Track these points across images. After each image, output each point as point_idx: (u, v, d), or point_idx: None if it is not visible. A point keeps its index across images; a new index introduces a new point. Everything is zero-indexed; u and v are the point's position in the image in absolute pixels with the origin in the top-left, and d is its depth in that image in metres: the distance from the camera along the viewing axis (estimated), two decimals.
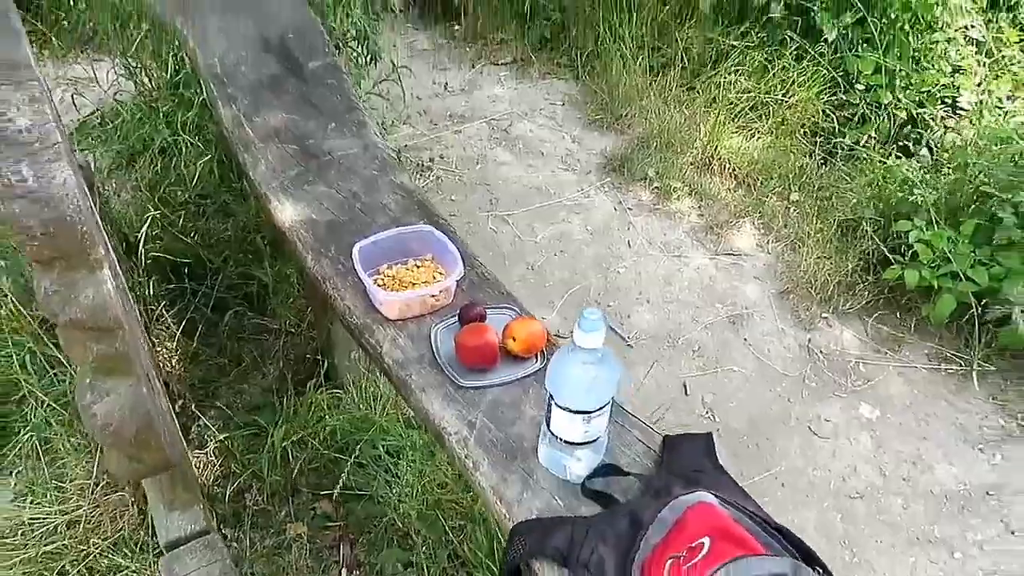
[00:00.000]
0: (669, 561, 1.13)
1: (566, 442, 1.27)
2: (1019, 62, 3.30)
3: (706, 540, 1.12)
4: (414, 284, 1.59)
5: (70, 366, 1.98)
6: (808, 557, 1.15)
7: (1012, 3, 3.63)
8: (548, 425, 1.27)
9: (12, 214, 1.00)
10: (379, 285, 1.57)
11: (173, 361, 2.30)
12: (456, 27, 4.15)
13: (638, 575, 1.15)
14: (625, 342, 2.58)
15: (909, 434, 2.36)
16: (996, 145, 2.76)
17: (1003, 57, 3.34)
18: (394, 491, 1.94)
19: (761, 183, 3.18)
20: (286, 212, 1.79)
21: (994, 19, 3.53)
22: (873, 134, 3.28)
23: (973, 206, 2.64)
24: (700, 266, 2.88)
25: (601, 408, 1.23)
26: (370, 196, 1.84)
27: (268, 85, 2.14)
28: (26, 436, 1.97)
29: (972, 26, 3.34)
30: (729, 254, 2.93)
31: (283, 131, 2.00)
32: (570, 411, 1.22)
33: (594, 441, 1.28)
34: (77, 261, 1.07)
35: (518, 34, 4.00)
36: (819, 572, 1.12)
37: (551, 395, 1.24)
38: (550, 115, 3.61)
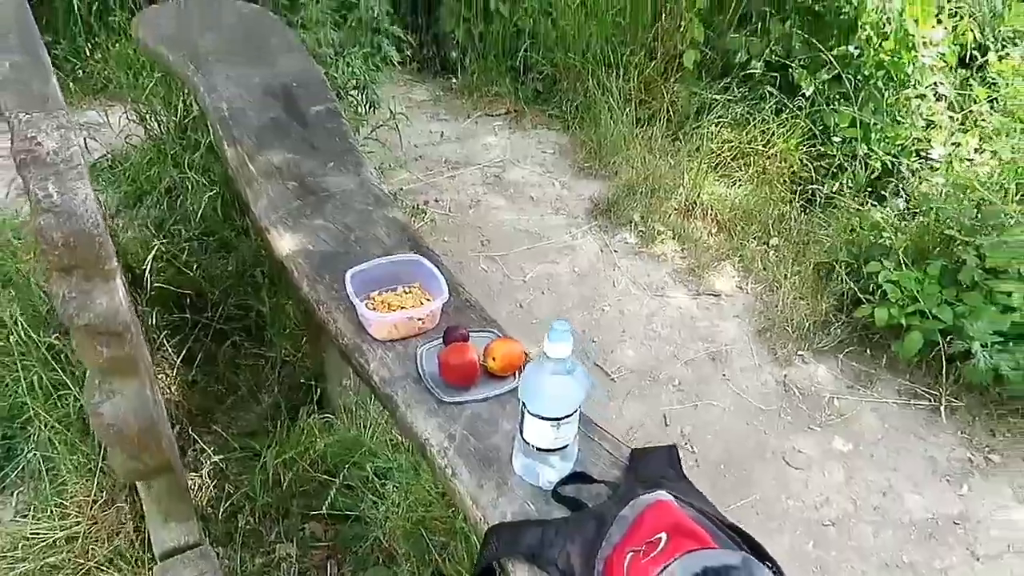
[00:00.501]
0: (629, 555, 1.21)
1: (538, 449, 1.36)
2: (986, 117, 3.47)
3: (664, 535, 1.21)
4: (402, 308, 1.70)
5: (75, 388, 2.09)
6: (760, 554, 1.24)
7: (981, 63, 3.83)
8: (522, 433, 1.37)
9: (39, 226, 1.12)
10: (369, 309, 1.68)
11: (172, 388, 2.39)
12: (453, 80, 4.35)
13: (601, 569, 1.23)
14: (608, 376, 2.68)
15: (880, 466, 2.44)
16: (961, 193, 2.90)
17: (971, 112, 3.51)
18: (381, 511, 2.02)
19: (742, 228, 3.32)
20: (285, 243, 1.91)
21: (963, 77, 3.72)
22: (849, 183, 3.43)
23: (939, 249, 2.78)
24: (682, 306, 2.99)
25: (570, 415, 1.33)
26: (364, 229, 1.96)
27: (272, 128, 2.29)
28: (30, 455, 2.06)
29: (940, 83, 3.52)
30: (710, 294, 3.05)
31: (284, 169, 2.13)
32: (541, 418, 1.32)
33: (564, 448, 1.37)
34: (93, 271, 1.18)
35: (512, 87, 4.20)
36: (770, 567, 1.21)
37: (524, 403, 1.33)
38: (541, 163, 3.77)
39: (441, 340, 1.63)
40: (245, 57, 2.58)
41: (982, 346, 2.45)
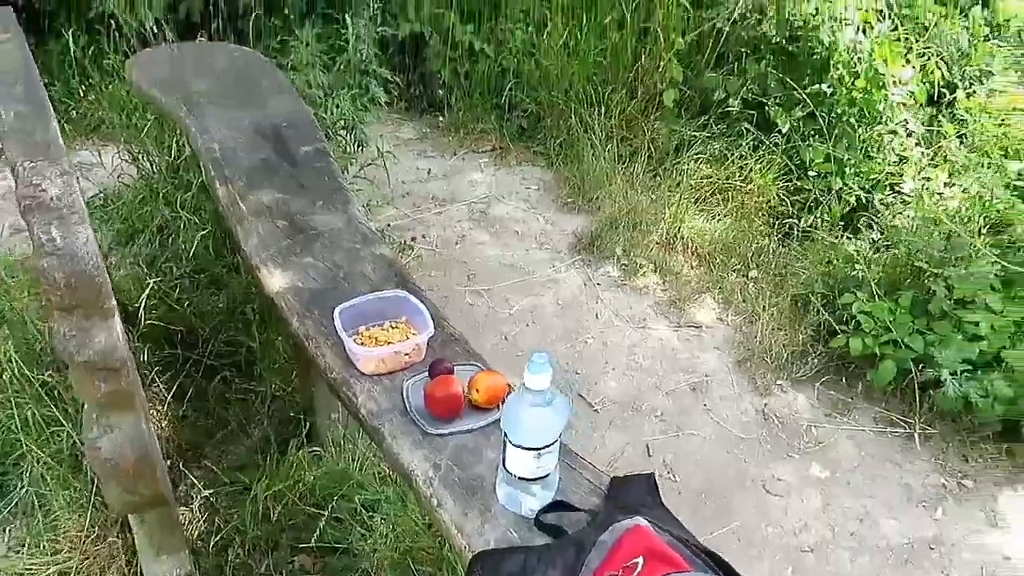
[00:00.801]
0: None
1: (520, 478, 1.41)
2: (955, 152, 3.59)
3: (640, 559, 1.27)
4: (389, 343, 1.75)
5: (67, 424, 2.12)
6: None
7: (949, 100, 3.97)
8: (504, 463, 1.42)
9: (41, 268, 1.18)
10: (357, 344, 1.74)
11: (164, 424, 2.43)
12: (440, 118, 4.45)
13: None
14: (592, 407, 2.74)
15: (857, 492, 2.50)
16: (932, 225, 3.00)
17: (940, 148, 3.63)
18: (369, 543, 2.06)
19: (722, 261, 3.41)
20: (275, 280, 1.97)
21: (932, 114, 3.86)
22: (825, 217, 3.54)
23: (910, 280, 2.87)
24: (663, 337, 3.07)
25: (550, 444, 1.39)
26: (351, 266, 2.02)
27: (262, 168, 2.35)
28: (23, 491, 2.09)
29: (909, 120, 3.64)
30: (691, 326, 3.13)
31: (274, 208, 2.20)
32: (523, 448, 1.38)
33: (546, 477, 1.42)
34: (92, 309, 1.24)
35: (497, 125, 4.30)
36: None
37: (506, 434, 1.39)
38: (526, 198, 3.86)
39: (427, 373, 1.69)
40: (236, 99, 2.65)
41: (951, 374, 2.53)
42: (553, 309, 3.17)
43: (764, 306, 3.13)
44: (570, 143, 4.02)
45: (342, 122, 3.24)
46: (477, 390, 1.62)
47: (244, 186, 2.27)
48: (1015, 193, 3.03)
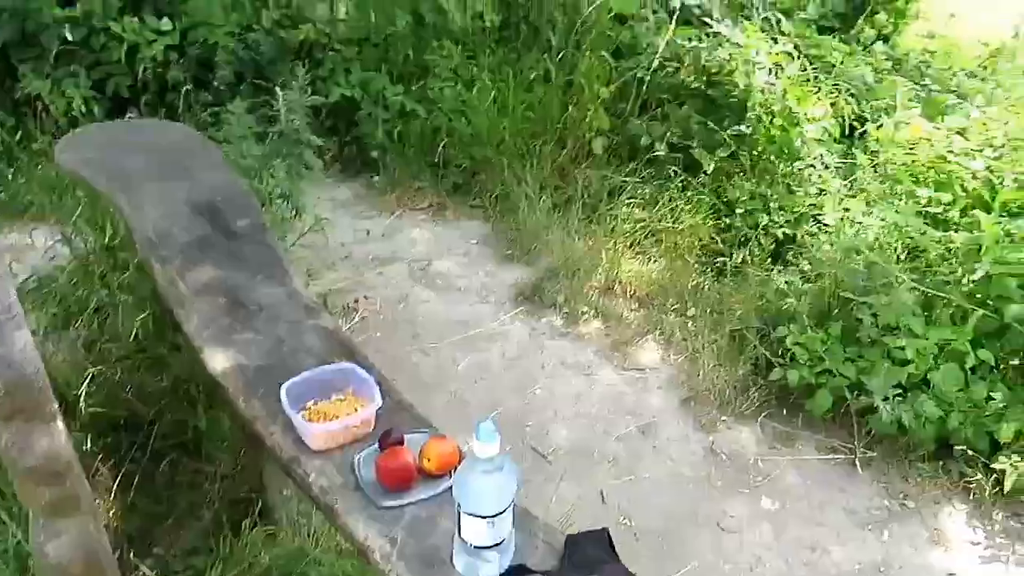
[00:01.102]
0: None
1: (476, 547, 1.43)
2: (870, 182, 3.77)
3: None
4: (337, 416, 1.76)
5: (12, 521, 2.06)
6: None
7: (861, 132, 4.18)
8: (459, 533, 1.44)
9: None
10: (305, 420, 1.74)
11: (111, 514, 2.37)
12: (375, 178, 4.48)
13: None
14: (544, 459, 2.77)
15: (807, 521, 2.58)
16: (855, 254, 3.14)
17: (855, 179, 3.82)
18: None
19: (660, 302, 3.50)
20: (218, 360, 1.97)
21: (846, 147, 4.06)
22: (756, 252, 3.67)
23: (838, 310, 2.99)
24: (609, 382, 3.12)
25: (503, 511, 1.42)
26: (295, 340, 2.04)
27: (199, 245, 2.35)
28: None
29: (824, 154, 3.83)
30: (635, 369, 3.19)
31: (214, 286, 2.20)
32: (477, 516, 1.40)
33: (501, 543, 1.45)
34: (33, 415, 1.23)
35: (433, 182, 4.35)
36: None
37: (459, 504, 1.41)
38: (466, 253, 3.91)
39: (377, 445, 1.71)
40: (169, 175, 2.65)
41: (884, 399, 2.64)
42: (500, 362, 3.20)
43: (704, 344, 3.21)
44: (505, 196, 4.10)
45: (279, 191, 3.25)
46: (428, 459, 1.64)
47: (181, 265, 2.27)
48: (926, 220, 3.20)
